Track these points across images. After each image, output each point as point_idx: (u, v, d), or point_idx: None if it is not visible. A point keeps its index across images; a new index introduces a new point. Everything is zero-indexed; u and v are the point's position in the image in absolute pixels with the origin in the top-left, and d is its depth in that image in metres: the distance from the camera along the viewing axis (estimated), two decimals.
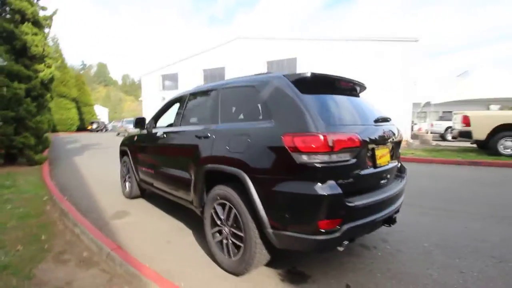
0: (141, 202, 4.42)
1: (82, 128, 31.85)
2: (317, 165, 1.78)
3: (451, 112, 15.23)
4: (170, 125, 4.32)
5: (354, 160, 1.94)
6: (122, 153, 4.71)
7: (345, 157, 1.90)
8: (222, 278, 2.25)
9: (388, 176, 2.38)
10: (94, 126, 31.33)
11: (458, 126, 9.03)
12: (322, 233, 1.78)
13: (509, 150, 8.04)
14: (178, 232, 3.20)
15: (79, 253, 2.66)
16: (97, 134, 27.11)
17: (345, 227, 1.83)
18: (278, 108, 2.07)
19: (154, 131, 3.74)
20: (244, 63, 21.52)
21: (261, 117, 2.18)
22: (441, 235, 3.02)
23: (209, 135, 2.54)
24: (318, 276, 2.26)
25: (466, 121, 8.50)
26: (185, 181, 2.83)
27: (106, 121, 39.56)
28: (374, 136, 2.19)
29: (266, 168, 1.98)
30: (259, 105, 2.23)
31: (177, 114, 3.32)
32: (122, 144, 4.72)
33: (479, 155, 8.46)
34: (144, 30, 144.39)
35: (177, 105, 4.26)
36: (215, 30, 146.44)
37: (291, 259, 2.52)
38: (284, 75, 2.21)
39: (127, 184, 4.54)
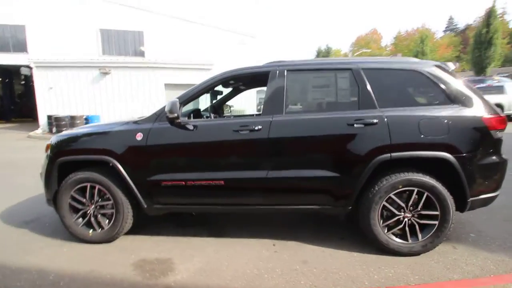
0: (137, 239, 2.74)
1: None
2: (501, 138, 2.35)
3: None
4: (195, 113, 2.97)
5: None
6: (62, 168, 2.63)
7: None
8: (408, 264, 2.14)
9: None
10: None
11: None
12: (499, 189, 2.39)
13: None
14: (289, 250, 2.51)
15: None
16: None
17: None
18: (458, 94, 2.33)
19: (214, 122, 2.55)
20: (62, 25, 15.88)
21: (439, 102, 2.36)
22: None
23: (376, 121, 2.27)
24: (482, 227, 2.81)
25: None
26: (322, 181, 2.38)
27: None
28: None
29: (471, 147, 2.26)
30: (432, 90, 2.42)
31: (273, 97, 2.43)
32: (73, 151, 2.68)
33: None
34: None
35: (234, 84, 3.07)
36: None
37: None
38: (436, 65, 2.47)
39: (101, 220, 2.62)
